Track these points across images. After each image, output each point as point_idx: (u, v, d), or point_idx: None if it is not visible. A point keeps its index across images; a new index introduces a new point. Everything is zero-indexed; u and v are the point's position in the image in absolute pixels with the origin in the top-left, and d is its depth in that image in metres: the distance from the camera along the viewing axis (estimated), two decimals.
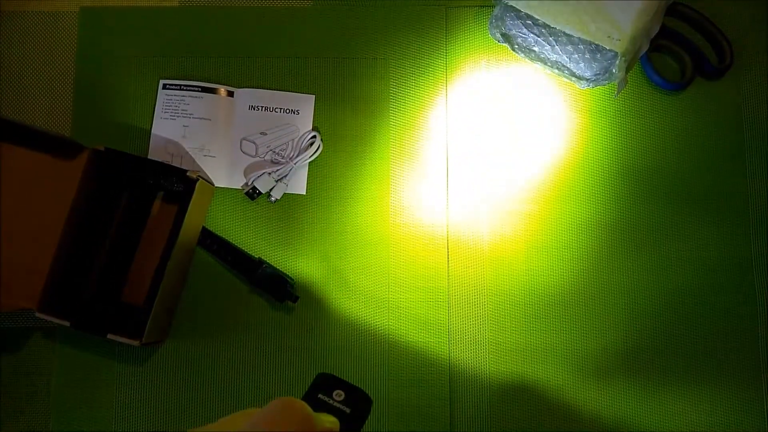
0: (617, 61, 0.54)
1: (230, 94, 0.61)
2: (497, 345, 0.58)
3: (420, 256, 0.59)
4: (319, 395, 0.31)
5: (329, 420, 0.29)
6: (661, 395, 0.57)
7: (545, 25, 0.57)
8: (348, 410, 0.30)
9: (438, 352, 0.57)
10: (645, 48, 0.56)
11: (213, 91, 0.61)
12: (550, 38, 0.59)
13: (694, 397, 0.57)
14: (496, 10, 0.59)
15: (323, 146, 0.60)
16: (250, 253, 0.59)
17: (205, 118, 0.60)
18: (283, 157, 0.60)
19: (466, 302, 0.58)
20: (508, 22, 0.60)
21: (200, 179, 0.55)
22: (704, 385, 0.57)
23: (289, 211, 0.60)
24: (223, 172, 0.60)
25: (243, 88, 0.61)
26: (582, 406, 0.57)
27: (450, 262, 0.59)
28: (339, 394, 0.31)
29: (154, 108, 0.61)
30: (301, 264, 0.59)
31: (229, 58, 0.62)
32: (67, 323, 0.53)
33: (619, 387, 0.57)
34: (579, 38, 0.56)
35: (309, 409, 0.27)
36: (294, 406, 0.27)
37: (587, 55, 0.58)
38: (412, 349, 0.58)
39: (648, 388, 0.57)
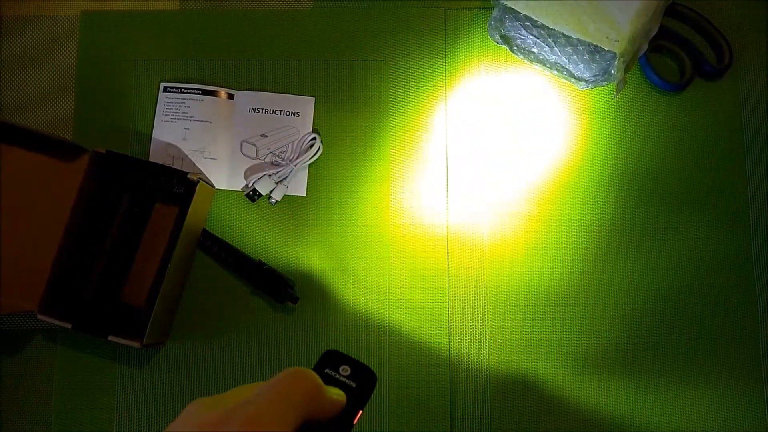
0: (616, 62, 0.54)
1: (230, 96, 0.61)
2: (497, 343, 0.58)
3: (420, 256, 0.59)
4: (326, 370, 0.32)
5: (336, 392, 0.30)
6: (660, 394, 0.57)
7: (544, 27, 0.57)
8: (354, 385, 0.31)
9: (438, 351, 0.57)
10: (644, 48, 0.57)
11: (213, 93, 0.61)
12: (549, 39, 0.59)
13: (694, 396, 0.57)
14: (495, 12, 0.59)
15: (323, 148, 0.60)
16: (251, 254, 0.59)
17: (205, 121, 0.61)
18: (283, 159, 0.60)
19: (467, 302, 0.58)
20: (507, 23, 0.60)
21: (201, 181, 0.55)
22: (704, 384, 0.57)
23: (290, 213, 0.60)
24: (223, 174, 0.60)
25: (243, 90, 0.61)
26: (582, 405, 0.57)
27: (450, 262, 0.59)
28: (345, 369, 0.32)
29: (155, 111, 0.61)
30: (302, 265, 0.59)
31: (230, 61, 0.62)
32: (68, 325, 0.53)
33: (619, 385, 0.57)
34: (578, 39, 0.56)
35: (318, 378, 0.28)
36: (305, 375, 0.27)
37: (586, 56, 0.58)
38: (413, 348, 0.58)
39: (647, 386, 0.57)
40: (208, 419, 0.26)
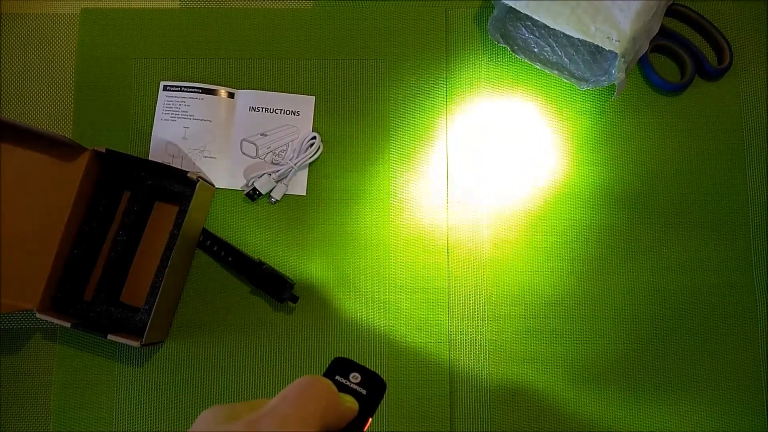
0: (617, 62, 0.54)
1: (230, 95, 0.61)
2: (497, 347, 0.58)
3: (420, 256, 0.59)
4: (337, 377, 0.33)
5: (349, 399, 0.31)
6: (660, 402, 0.57)
7: (545, 27, 0.57)
8: (364, 392, 0.32)
9: (438, 353, 0.57)
10: (644, 49, 0.57)
11: (213, 92, 0.61)
12: (550, 39, 0.59)
13: (693, 399, 0.57)
14: (496, 11, 0.59)
15: (323, 147, 0.60)
16: (251, 253, 0.59)
17: (205, 120, 0.60)
18: (283, 158, 0.60)
19: (466, 304, 0.58)
20: (508, 23, 0.60)
21: (200, 180, 0.55)
22: (703, 386, 0.57)
23: (290, 212, 0.60)
24: (223, 173, 0.60)
25: (243, 89, 0.61)
26: (582, 408, 0.57)
27: (450, 263, 0.59)
28: (355, 377, 0.33)
29: (155, 109, 0.61)
30: (301, 265, 0.59)
31: (230, 60, 0.62)
32: (67, 324, 0.53)
33: (618, 388, 0.57)
34: (578, 39, 0.56)
35: (333, 386, 0.29)
36: (322, 382, 0.28)
37: (587, 56, 0.58)
38: (412, 350, 0.58)
39: (647, 396, 0.57)
40: (234, 428, 0.26)
